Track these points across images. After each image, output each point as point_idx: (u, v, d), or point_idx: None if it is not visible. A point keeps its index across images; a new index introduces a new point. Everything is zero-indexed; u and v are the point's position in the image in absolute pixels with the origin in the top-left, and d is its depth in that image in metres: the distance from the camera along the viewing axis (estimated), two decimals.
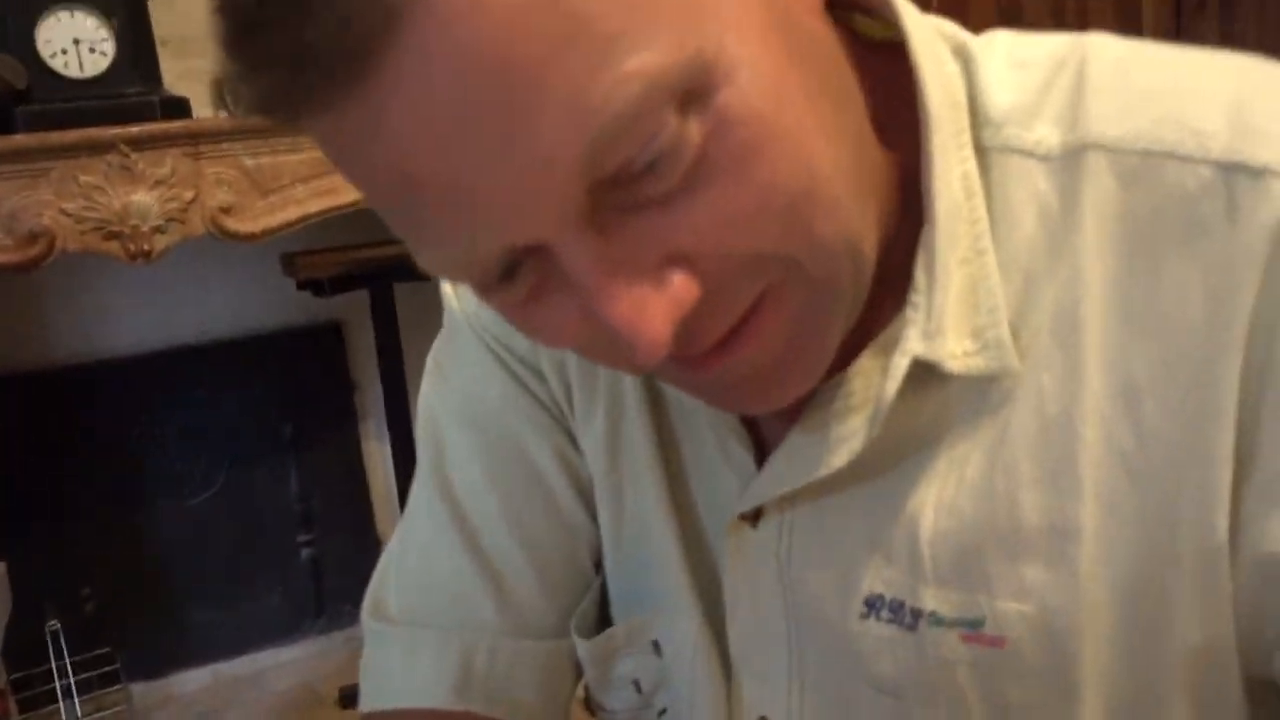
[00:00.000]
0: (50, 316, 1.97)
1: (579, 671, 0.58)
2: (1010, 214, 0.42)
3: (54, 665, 1.83)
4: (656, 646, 0.54)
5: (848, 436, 0.43)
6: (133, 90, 1.62)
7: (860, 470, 0.44)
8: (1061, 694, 0.41)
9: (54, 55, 1.57)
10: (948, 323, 0.41)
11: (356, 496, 2.24)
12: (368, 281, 1.87)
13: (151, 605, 2.07)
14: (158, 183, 1.60)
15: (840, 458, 0.43)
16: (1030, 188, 0.42)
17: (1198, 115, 0.39)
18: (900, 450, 0.43)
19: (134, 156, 1.58)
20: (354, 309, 2.04)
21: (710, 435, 0.50)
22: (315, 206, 1.70)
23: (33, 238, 1.54)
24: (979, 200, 0.42)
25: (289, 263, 1.86)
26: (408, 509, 0.59)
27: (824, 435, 0.44)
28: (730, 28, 0.34)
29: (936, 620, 0.43)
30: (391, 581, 0.59)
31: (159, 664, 2.08)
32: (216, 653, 2.13)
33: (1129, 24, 1.41)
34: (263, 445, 2.14)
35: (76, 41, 1.58)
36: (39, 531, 1.96)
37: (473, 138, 0.32)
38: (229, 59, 0.33)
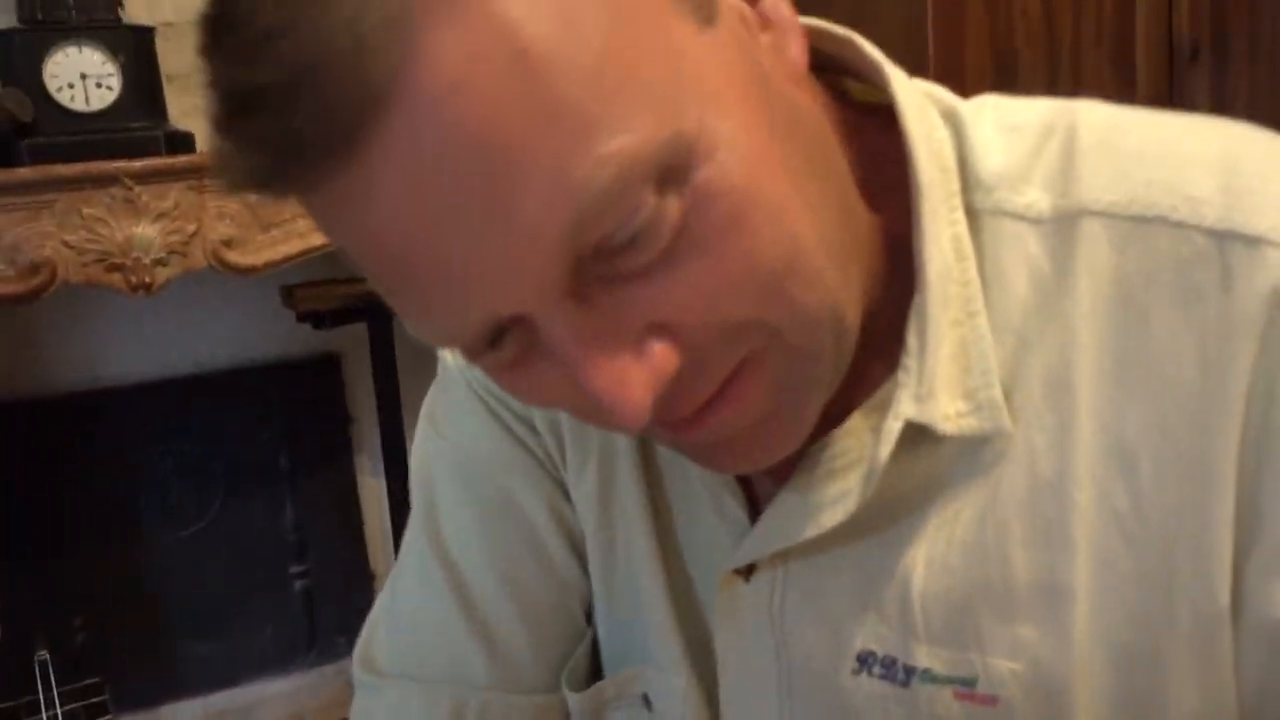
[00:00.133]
0: (50, 346, 1.97)
1: None
2: (1002, 276, 0.42)
3: (41, 696, 1.81)
4: (647, 700, 0.54)
5: (841, 496, 0.43)
6: (138, 125, 1.62)
7: (853, 528, 0.44)
8: None
9: (60, 89, 1.58)
10: (939, 384, 0.41)
11: (351, 529, 2.23)
12: (367, 314, 1.87)
13: (143, 635, 2.04)
14: (160, 215, 1.60)
15: (834, 517, 0.43)
16: (1022, 251, 0.42)
17: (1189, 180, 0.40)
18: (893, 509, 0.44)
19: (137, 189, 1.58)
20: (352, 342, 2.04)
21: (704, 491, 0.50)
22: (316, 240, 1.70)
23: (35, 269, 1.55)
24: (970, 263, 0.42)
25: (289, 295, 1.86)
26: (399, 559, 0.59)
27: (818, 494, 0.44)
28: (710, 104, 0.34)
29: (930, 677, 0.43)
30: (381, 634, 0.58)
31: (149, 695, 2.05)
32: (207, 684, 2.10)
33: (1124, 74, 1.42)
34: (258, 476, 2.13)
35: (83, 76, 1.59)
36: (31, 559, 1.94)
37: (458, 215, 0.32)
38: (219, 137, 0.33)
